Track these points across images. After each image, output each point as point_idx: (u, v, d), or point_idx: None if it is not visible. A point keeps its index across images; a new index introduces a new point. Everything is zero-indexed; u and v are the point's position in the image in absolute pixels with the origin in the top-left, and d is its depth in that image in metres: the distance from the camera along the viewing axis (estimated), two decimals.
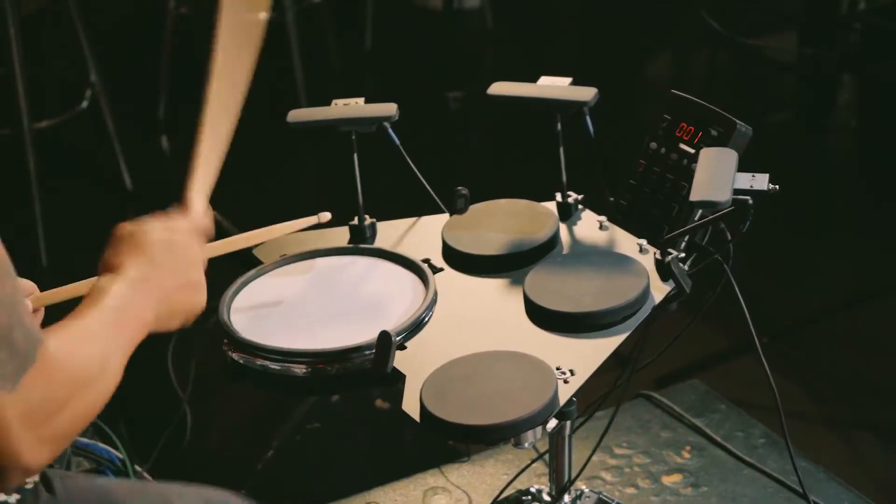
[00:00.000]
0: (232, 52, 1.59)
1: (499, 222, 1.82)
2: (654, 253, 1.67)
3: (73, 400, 1.22)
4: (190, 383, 2.71)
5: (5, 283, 1.17)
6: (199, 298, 1.42)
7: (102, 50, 3.85)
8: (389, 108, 1.81)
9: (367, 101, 1.85)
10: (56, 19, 4.15)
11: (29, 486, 1.42)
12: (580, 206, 1.85)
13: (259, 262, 1.79)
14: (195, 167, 1.54)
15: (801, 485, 1.95)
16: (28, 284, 1.50)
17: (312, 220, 1.69)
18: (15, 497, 1.40)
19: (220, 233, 2.88)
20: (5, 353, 1.15)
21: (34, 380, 1.18)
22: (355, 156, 1.82)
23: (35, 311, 1.49)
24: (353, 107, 1.83)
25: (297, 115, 1.85)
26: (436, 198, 1.87)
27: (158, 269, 1.36)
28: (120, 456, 2.35)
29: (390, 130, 1.81)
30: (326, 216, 1.70)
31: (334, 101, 1.85)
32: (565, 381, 1.50)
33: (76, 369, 1.23)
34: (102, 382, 1.26)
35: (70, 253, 3.42)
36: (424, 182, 1.85)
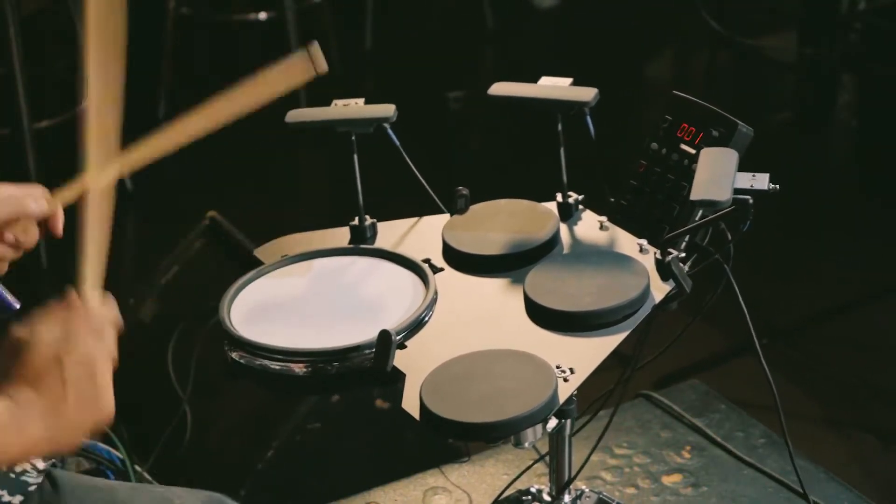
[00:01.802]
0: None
1: (499, 222, 1.82)
2: (655, 253, 1.67)
3: None
4: (190, 383, 2.70)
5: None
6: (102, 411, 1.29)
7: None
8: (387, 110, 1.81)
9: (367, 102, 1.85)
10: (56, 19, 4.15)
11: (32, 488, 1.42)
12: (580, 206, 1.85)
13: (260, 263, 1.79)
14: (84, 251, 1.42)
15: (801, 485, 1.95)
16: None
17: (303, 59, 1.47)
18: (18, 498, 1.40)
19: (221, 233, 2.88)
20: None
21: None
22: (355, 156, 1.82)
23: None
24: (351, 107, 1.83)
25: (295, 115, 1.85)
26: (435, 198, 1.87)
27: (47, 391, 1.26)
28: (120, 456, 2.35)
29: (390, 131, 1.81)
30: (317, 51, 1.48)
31: (334, 102, 1.85)
32: (565, 380, 1.50)
33: None
34: None
35: (70, 253, 3.41)
36: (424, 182, 1.85)
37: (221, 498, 1.62)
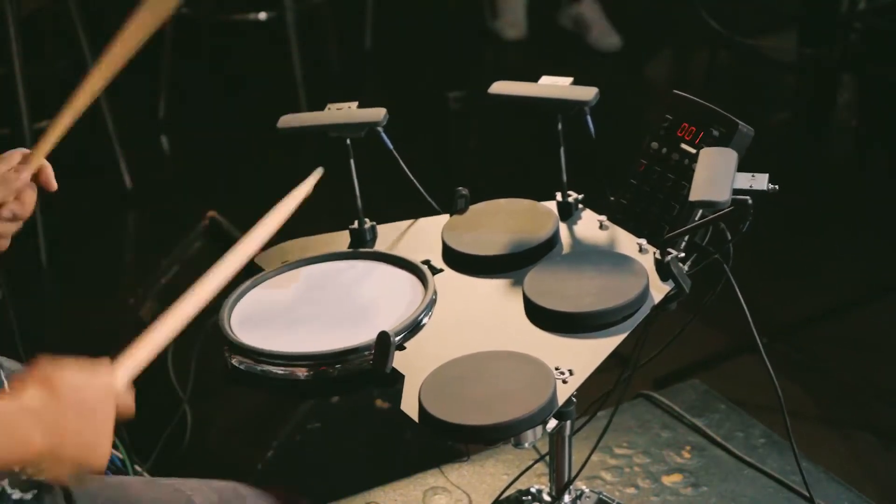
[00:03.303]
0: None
1: (499, 222, 1.81)
2: (654, 253, 1.67)
3: None
4: (190, 383, 2.70)
5: None
6: (95, 460, 1.33)
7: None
8: (378, 114, 1.80)
9: (367, 102, 1.84)
10: (56, 19, 4.15)
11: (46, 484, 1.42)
12: (580, 206, 1.85)
13: (260, 269, 1.79)
14: (142, 343, 1.50)
15: (807, 487, 1.95)
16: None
17: (311, 180, 1.62)
18: (32, 493, 1.41)
19: (221, 233, 2.87)
20: None
21: None
22: (352, 160, 1.82)
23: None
24: (343, 112, 1.82)
25: (286, 120, 1.84)
26: (431, 201, 1.87)
27: (59, 408, 1.29)
28: (120, 456, 2.35)
29: (383, 135, 1.80)
30: (318, 171, 1.63)
31: (328, 106, 1.85)
32: (564, 382, 1.50)
33: None
34: None
35: (70, 253, 3.42)
36: (418, 185, 1.85)
37: (236, 486, 1.61)
